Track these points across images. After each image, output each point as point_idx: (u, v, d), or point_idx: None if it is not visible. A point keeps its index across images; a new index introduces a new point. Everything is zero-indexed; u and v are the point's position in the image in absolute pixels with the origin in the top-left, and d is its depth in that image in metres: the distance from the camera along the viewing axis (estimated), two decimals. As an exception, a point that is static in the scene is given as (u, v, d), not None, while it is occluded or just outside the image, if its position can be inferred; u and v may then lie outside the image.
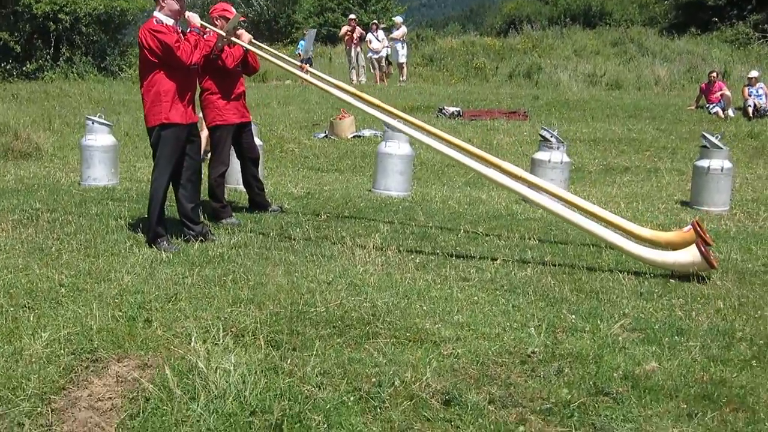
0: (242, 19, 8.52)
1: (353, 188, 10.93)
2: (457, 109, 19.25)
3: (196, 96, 7.81)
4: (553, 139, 10.06)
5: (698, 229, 7.30)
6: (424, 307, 5.51)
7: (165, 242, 7.30)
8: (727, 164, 10.05)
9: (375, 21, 26.66)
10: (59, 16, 24.05)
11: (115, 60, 25.79)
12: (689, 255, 6.77)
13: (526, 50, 32.87)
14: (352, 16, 26.12)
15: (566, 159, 10.16)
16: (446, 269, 6.61)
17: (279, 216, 8.81)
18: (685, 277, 6.58)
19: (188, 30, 7.46)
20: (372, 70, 25.18)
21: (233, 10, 8.68)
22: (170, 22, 7.30)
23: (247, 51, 8.56)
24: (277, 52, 9.31)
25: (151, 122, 7.34)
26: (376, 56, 24.73)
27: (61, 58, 24.49)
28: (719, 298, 6.05)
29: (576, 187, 11.69)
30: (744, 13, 34.42)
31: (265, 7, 48.47)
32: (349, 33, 24.52)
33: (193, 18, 7.54)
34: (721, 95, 18.94)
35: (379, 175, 10.44)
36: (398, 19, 26.07)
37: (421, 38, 36.59)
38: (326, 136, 15.78)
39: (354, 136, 15.71)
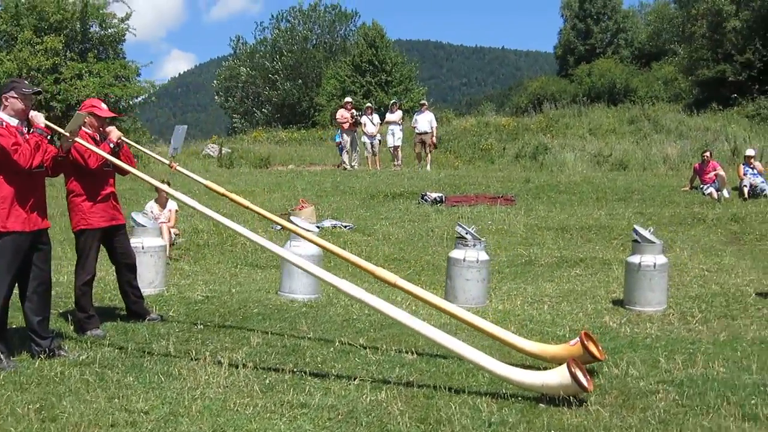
0: (87, 119, 7.87)
1: (261, 291, 10.18)
2: (440, 195, 18.57)
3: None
4: (468, 236, 9.25)
5: (585, 342, 6.47)
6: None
7: (3, 359, 6.62)
8: (661, 260, 9.14)
9: (369, 104, 26.17)
10: (51, 104, 23.99)
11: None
12: (557, 376, 5.91)
13: (539, 130, 32.25)
14: (348, 99, 25.66)
15: (483, 257, 9.32)
16: (292, 393, 5.95)
17: (153, 326, 8.10)
18: (560, 401, 5.77)
19: (31, 131, 6.88)
20: (365, 155, 24.63)
21: (102, 106, 8.11)
22: (14, 122, 6.80)
23: (116, 149, 7.97)
24: (147, 150, 8.70)
25: None
26: (370, 140, 24.21)
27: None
28: (584, 430, 5.26)
29: (510, 283, 10.87)
30: (766, 87, 33.52)
31: (289, 91, 48.61)
32: (346, 118, 23.99)
33: (37, 118, 6.97)
34: (715, 175, 18.00)
35: (284, 277, 9.73)
36: (394, 102, 25.61)
37: (436, 119, 36.09)
38: (282, 228, 15.05)
39: (314, 227, 14.99)
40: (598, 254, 12.28)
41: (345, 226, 15.16)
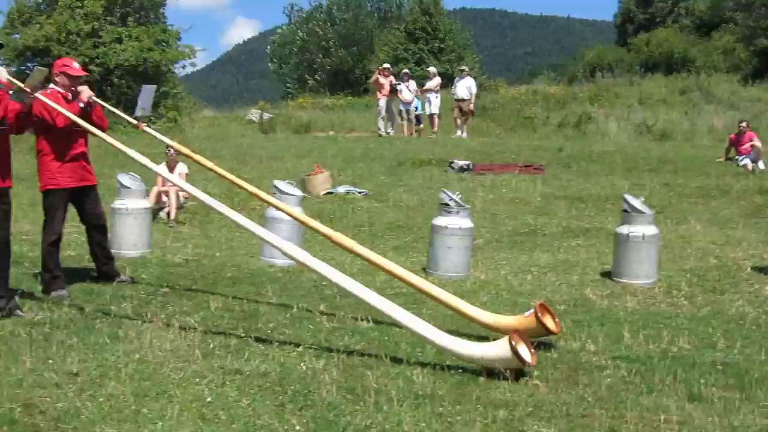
0: (58, 78, 7.82)
1: (246, 256, 10.04)
2: (467, 162, 18.17)
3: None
4: (452, 203, 8.95)
5: (539, 314, 6.20)
6: (146, 410, 4.85)
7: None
8: (650, 230, 8.72)
9: (406, 70, 25.80)
10: (90, 67, 24.02)
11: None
12: (498, 349, 5.66)
13: (587, 99, 31.56)
14: (386, 65, 25.32)
15: (466, 224, 9.02)
16: (230, 359, 5.84)
17: (120, 288, 8.02)
18: (501, 374, 5.54)
19: None
20: (401, 122, 24.32)
21: (75, 65, 7.99)
22: None
23: (87, 109, 7.85)
24: (114, 110, 8.54)
25: None
26: (405, 107, 23.90)
27: (91, 109, 24.44)
28: (513, 405, 5.02)
29: (505, 252, 10.56)
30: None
31: (343, 58, 48.38)
32: (378, 81, 23.70)
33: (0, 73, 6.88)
34: (752, 146, 17.35)
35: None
36: (432, 70, 25.22)
37: (484, 87, 35.62)
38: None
39: (327, 193, 14.81)
40: (606, 225, 11.83)
41: (359, 192, 14.93)
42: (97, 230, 8.26)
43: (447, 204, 9.02)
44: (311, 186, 14.96)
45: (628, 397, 5.23)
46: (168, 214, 12.76)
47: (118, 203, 9.72)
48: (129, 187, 9.77)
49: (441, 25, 45.14)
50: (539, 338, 6.31)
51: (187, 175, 13.57)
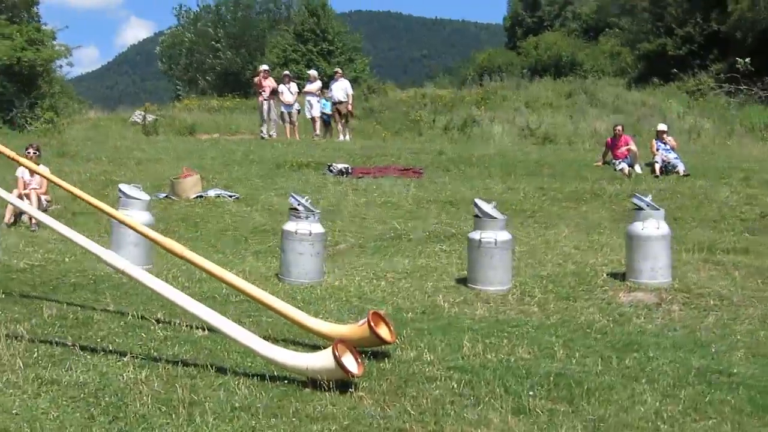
0: None
1: (95, 261, 9.52)
2: (346, 166, 17.89)
3: None
4: (300, 208, 8.59)
5: (371, 323, 5.90)
6: None
7: None
8: (503, 236, 8.52)
9: (287, 72, 25.45)
10: (-41, 66, 23.04)
11: (24, 112, 24.60)
12: (322, 359, 5.34)
13: (474, 102, 31.59)
14: (264, 66, 24.86)
15: (317, 230, 8.68)
16: (51, 368, 5.57)
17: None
18: (328, 386, 5.27)
19: None
20: (283, 124, 23.91)
21: None
22: None
23: None
24: None
25: None
26: (287, 110, 23.50)
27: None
28: (331, 419, 4.80)
29: (367, 258, 10.30)
30: (706, 62, 33.13)
31: (232, 59, 47.67)
32: (260, 83, 23.25)
33: None
34: (627, 150, 17.45)
35: (113, 246, 9.03)
36: (313, 73, 25.00)
37: (372, 90, 35.43)
38: (167, 197, 14.37)
39: (197, 197, 14.30)
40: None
41: (230, 196, 14.48)
42: None
43: (296, 209, 8.66)
44: (180, 189, 14.46)
45: (453, 410, 5.03)
46: (30, 218, 12.12)
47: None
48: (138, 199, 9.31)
49: (329, 27, 44.84)
50: (374, 347, 6.03)
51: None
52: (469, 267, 8.64)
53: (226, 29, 49.61)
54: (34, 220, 12.04)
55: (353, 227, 12.19)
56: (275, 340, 6.35)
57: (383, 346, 6.09)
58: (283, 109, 23.63)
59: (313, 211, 8.68)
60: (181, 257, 6.77)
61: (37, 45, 25.14)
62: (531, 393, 5.30)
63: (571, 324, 7.29)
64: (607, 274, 9.07)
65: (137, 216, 8.95)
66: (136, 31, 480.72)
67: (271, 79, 23.62)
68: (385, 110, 30.86)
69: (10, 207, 12.05)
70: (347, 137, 23.70)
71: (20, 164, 7.83)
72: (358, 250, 10.77)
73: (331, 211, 13.31)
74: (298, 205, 8.63)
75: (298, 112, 23.93)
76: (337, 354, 5.21)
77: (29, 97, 25.19)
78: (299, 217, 8.63)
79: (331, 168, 17.81)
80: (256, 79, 23.85)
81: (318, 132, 23.98)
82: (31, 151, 12.65)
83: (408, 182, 16.13)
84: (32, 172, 12.51)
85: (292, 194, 8.93)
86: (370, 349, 6.05)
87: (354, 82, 31.84)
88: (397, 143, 23.46)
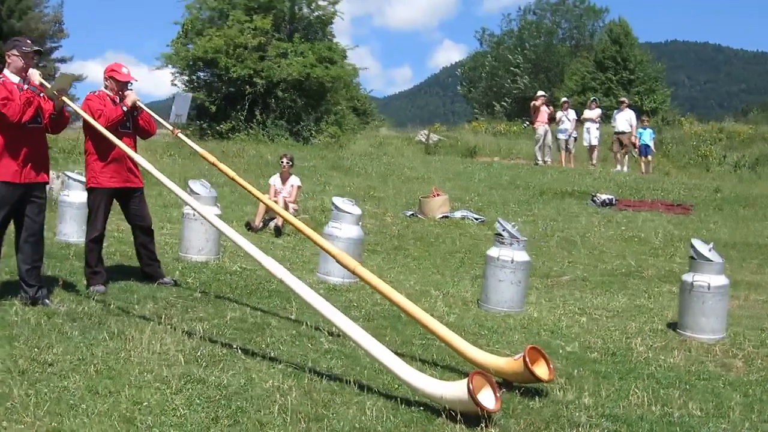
0: (107, 82, 8.09)
1: (300, 271, 9.87)
2: (610, 197, 17.46)
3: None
4: (505, 234, 8.44)
5: (526, 359, 5.70)
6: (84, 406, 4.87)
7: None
8: (718, 281, 7.88)
9: (565, 99, 25.08)
10: (254, 80, 24.78)
11: (309, 126, 26.01)
12: (457, 390, 5.22)
13: (775, 140, 29.64)
14: (541, 93, 24.69)
15: (521, 258, 8.45)
16: (206, 369, 5.71)
17: (157, 289, 8.12)
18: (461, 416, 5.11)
19: (26, 87, 7.11)
20: (558, 151, 23.64)
21: (123, 70, 8.16)
22: (15, 79, 7.13)
23: (131, 113, 8.04)
24: (157, 116, 8.57)
25: None
26: (564, 137, 23.21)
27: (254, 120, 25.06)
28: None
29: (583, 292, 9.83)
30: None
31: (529, 85, 47.81)
32: (537, 109, 23.17)
33: (32, 75, 7.30)
34: None
35: (321, 259, 9.40)
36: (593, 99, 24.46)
37: (666, 122, 34.20)
38: (413, 215, 14.70)
39: (443, 217, 14.50)
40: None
41: (476, 219, 14.54)
42: (142, 231, 8.40)
43: (500, 234, 8.52)
44: (428, 208, 14.73)
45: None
46: (276, 225, 12.74)
47: (187, 209, 9.82)
48: (198, 194, 9.81)
49: (631, 56, 43.68)
50: (530, 384, 5.80)
51: (300, 188, 13.63)
52: (680, 311, 8.06)
53: (525, 55, 49.78)
54: (280, 223, 12.62)
55: (588, 259, 11.82)
56: (434, 365, 6.29)
57: (543, 384, 5.83)
58: (559, 136, 23.38)
59: (518, 238, 8.49)
60: (353, 272, 6.87)
61: (326, 63, 26.49)
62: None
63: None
64: None
65: (349, 231, 9.22)
66: (448, 54, 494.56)
67: (549, 105, 23.47)
68: (675, 143, 29.65)
69: (260, 211, 12.78)
70: (625, 168, 23.03)
71: (219, 170, 8.27)
72: (581, 284, 10.38)
73: (572, 241, 12.99)
74: (503, 230, 8.48)
75: (575, 139, 23.57)
76: (471, 386, 5.04)
77: (316, 111, 26.60)
78: (503, 243, 8.48)
79: (594, 198, 17.45)
80: (532, 105, 23.76)
81: (594, 162, 23.48)
82: (285, 160, 13.35)
83: (669, 218, 15.39)
84: (284, 181, 13.26)
85: (500, 220, 8.77)
86: (526, 385, 5.82)
87: (653, 113, 30.94)
88: (678, 178, 22.50)
